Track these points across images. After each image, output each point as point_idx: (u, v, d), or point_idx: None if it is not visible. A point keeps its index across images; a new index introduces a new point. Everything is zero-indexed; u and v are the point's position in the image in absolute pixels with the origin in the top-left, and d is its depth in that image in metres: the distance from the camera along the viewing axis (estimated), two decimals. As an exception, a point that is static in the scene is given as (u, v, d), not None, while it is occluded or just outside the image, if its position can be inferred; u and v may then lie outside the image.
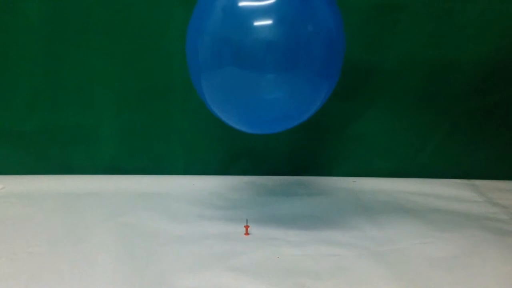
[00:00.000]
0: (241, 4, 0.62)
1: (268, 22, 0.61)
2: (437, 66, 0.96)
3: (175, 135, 1.00)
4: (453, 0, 0.92)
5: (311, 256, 0.67)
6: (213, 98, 0.68)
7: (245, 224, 0.74)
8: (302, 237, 0.73)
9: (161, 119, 0.99)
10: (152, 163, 1.01)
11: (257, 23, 0.61)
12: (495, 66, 0.94)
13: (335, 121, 0.99)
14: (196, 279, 0.61)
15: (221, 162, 1.02)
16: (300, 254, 0.68)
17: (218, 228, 0.76)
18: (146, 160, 1.01)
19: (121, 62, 0.97)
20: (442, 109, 0.98)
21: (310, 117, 0.70)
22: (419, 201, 0.88)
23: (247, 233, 0.74)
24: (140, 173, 1.01)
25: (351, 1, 0.91)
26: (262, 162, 1.02)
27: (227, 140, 1.00)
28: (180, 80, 0.96)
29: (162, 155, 1.01)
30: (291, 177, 1.01)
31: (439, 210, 0.85)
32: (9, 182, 0.95)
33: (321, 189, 0.95)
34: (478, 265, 0.65)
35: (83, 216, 0.81)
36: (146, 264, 0.65)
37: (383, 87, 0.97)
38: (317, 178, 1.00)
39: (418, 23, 0.94)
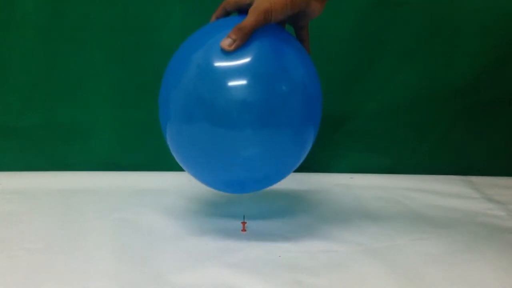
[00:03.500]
0: (215, 62, 0.61)
1: (242, 81, 0.60)
2: (434, 62, 0.96)
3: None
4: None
5: (307, 252, 0.67)
6: (184, 156, 0.67)
7: (242, 221, 0.74)
8: (299, 233, 0.73)
9: (158, 115, 0.99)
10: (149, 160, 1.01)
11: (231, 83, 0.60)
12: (492, 63, 0.95)
13: (332, 118, 0.99)
14: (192, 275, 0.61)
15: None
16: (297, 250, 0.68)
17: (215, 224, 0.76)
18: (143, 156, 1.01)
19: (118, 58, 0.96)
20: (439, 106, 0.98)
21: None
22: (415, 198, 0.89)
23: (244, 230, 0.74)
24: (137, 170, 1.01)
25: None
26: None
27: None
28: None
29: (158, 151, 1.01)
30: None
31: (436, 206, 0.85)
32: (5, 179, 0.95)
33: (318, 185, 0.95)
34: (474, 261, 0.65)
35: (79, 212, 0.80)
36: (142, 260, 0.65)
37: (380, 84, 0.97)
38: (314, 175, 1.00)
39: (416, 20, 0.94)
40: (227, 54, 0.60)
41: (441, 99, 0.98)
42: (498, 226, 0.76)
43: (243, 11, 0.66)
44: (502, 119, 0.98)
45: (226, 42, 0.60)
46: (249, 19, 0.61)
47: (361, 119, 0.99)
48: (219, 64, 0.60)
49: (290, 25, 0.70)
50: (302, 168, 1.03)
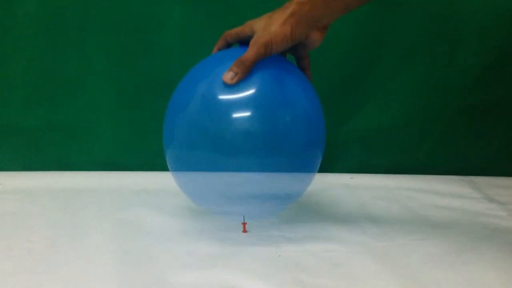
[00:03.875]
0: (218, 94, 0.61)
1: (246, 113, 0.60)
2: (435, 63, 0.96)
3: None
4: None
5: (308, 252, 0.67)
6: (185, 183, 0.68)
7: (243, 221, 0.74)
8: (300, 233, 0.73)
9: (159, 115, 0.98)
10: (150, 160, 1.01)
11: (234, 115, 0.60)
12: (493, 64, 0.94)
13: (332, 118, 0.99)
14: (193, 276, 0.61)
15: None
16: (298, 250, 0.68)
17: (216, 224, 0.76)
18: (144, 156, 1.01)
19: (119, 58, 0.96)
20: (439, 106, 0.98)
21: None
22: (416, 198, 0.88)
23: (245, 230, 0.74)
24: (138, 170, 1.00)
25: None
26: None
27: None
28: (177, 76, 0.95)
29: (159, 151, 1.00)
30: (288, 173, 1.00)
31: (436, 206, 0.85)
32: (6, 179, 0.95)
33: (318, 185, 0.94)
34: (474, 262, 0.65)
35: (80, 212, 0.80)
36: (143, 260, 0.65)
37: (381, 84, 0.97)
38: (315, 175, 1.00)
39: (416, 20, 0.94)
40: (230, 86, 0.61)
41: (442, 100, 0.98)
42: (499, 226, 0.76)
43: (244, 42, 0.67)
44: (503, 119, 0.98)
45: (228, 76, 0.61)
46: (250, 52, 0.62)
47: (361, 120, 0.99)
48: (223, 96, 0.61)
49: (291, 55, 0.71)
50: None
